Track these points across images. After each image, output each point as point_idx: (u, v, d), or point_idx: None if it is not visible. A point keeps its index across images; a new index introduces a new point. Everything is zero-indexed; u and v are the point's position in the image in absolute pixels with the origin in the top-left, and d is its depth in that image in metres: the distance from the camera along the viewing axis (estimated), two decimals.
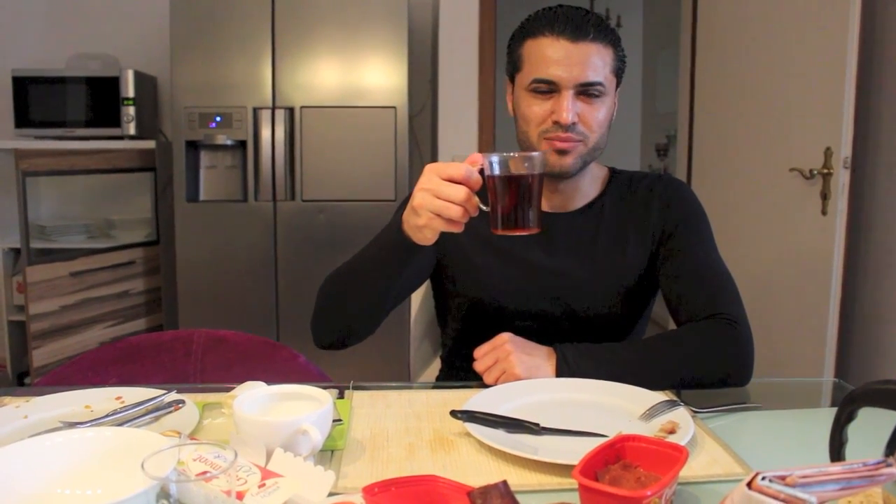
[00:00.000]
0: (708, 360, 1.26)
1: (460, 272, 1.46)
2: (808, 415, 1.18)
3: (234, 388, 1.19)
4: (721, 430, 1.08)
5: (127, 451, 0.86)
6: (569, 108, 1.30)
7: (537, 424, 1.06)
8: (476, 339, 1.30)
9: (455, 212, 1.08)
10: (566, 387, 1.21)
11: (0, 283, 3.41)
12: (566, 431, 1.05)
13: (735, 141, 3.16)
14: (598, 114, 1.33)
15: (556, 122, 1.32)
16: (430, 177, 1.09)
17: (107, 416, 1.10)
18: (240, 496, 0.81)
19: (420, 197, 1.10)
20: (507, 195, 1.08)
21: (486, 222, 1.32)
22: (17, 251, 3.29)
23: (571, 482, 0.80)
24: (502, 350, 1.23)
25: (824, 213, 2.60)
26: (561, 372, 1.23)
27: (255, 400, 1.03)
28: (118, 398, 1.19)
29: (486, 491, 0.78)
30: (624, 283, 1.42)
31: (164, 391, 1.19)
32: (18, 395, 1.25)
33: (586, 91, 1.31)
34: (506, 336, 1.25)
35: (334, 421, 1.03)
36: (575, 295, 1.41)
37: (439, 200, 1.08)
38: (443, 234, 1.40)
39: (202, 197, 3.30)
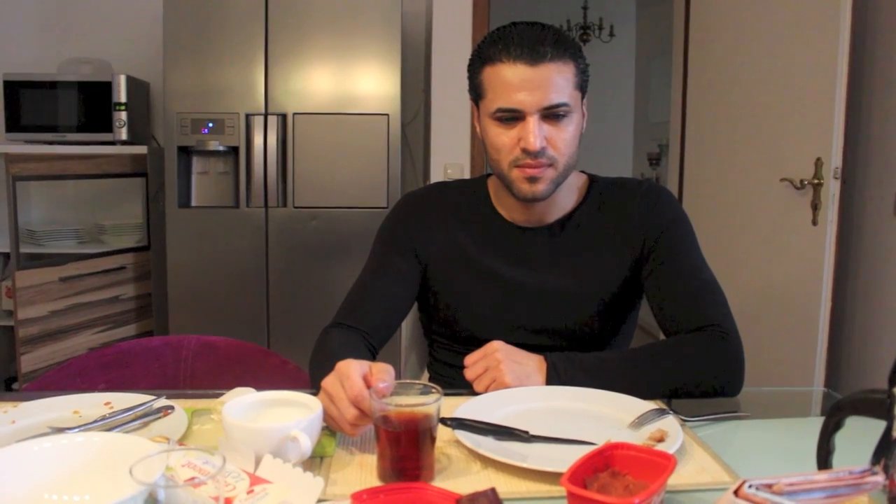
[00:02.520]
0: (698, 372, 1.26)
1: (443, 289, 1.46)
2: (797, 424, 1.18)
3: (223, 393, 1.19)
4: (710, 438, 1.08)
5: (115, 457, 0.86)
6: (536, 133, 1.28)
7: (527, 432, 1.06)
8: (461, 353, 1.30)
9: (343, 428, 1.04)
10: (556, 395, 1.21)
11: None
12: (556, 439, 1.05)
13: (726, 150, 3.17)
14: (566, 135, 1.32)
15: (524, 150, 1.30)
16: (334, 380, 1.04)
17: (95, 421, 1.10)
18: (228, 502, 0.81)
19: (322, 392, 1.06)
20: (390, 447, 0.96)
21: (470, 241, 1.32)
22: (6, 256, 3.27)
23: (560, 490, 0.80)
24: (492, 359, 1.23)
25: (815, 223, 2.61)
26: (551, 381, 1.23)
27: (244, 406, 1.03)
28: (107, 403, 1.19)
29: (474, 498, 0.78)
30: (605, 295, 1.41)
31: (153, 397, 1.19)
32: (6, 399, 1.24)
33: (552, 113, 1.29)
34: (496, 344, 1.25)
35: (324, 428, 1.03)
36: (555, 309, 1.41)
37: (333, 408, 1.03)
38: (428, 254, 1.42)
39: (194, 203, 3.29)
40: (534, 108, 1.28)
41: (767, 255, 2.89)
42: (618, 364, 1.28)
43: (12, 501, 0.82)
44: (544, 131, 1.30)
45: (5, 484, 0.83)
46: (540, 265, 1.42)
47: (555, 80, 1.28)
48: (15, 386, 3.16)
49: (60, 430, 1.05)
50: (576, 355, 1.27)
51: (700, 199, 3.37)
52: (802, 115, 2.67)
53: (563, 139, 1.31)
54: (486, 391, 1.22)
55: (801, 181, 2.63)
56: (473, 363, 1.25)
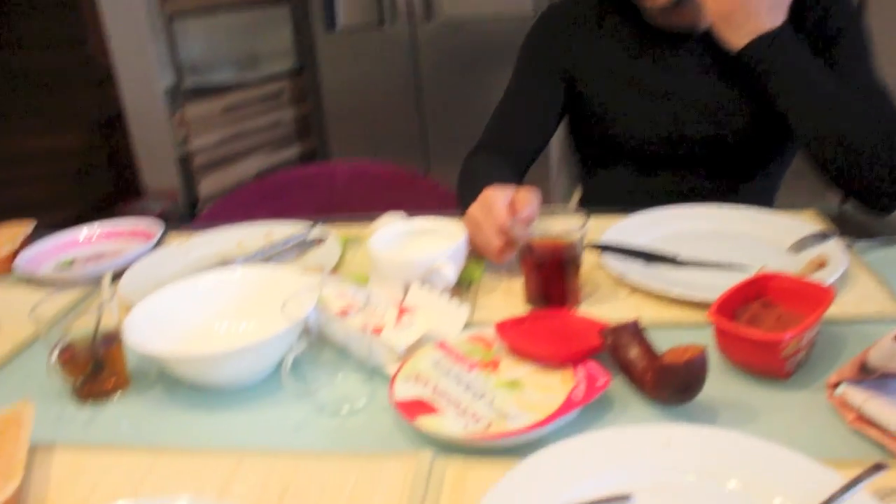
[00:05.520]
0: (864, 124, 1.12)
1: (591, 102, 1.38)
2: None
3: (375, 218, 1.22)
4: (878, 263, 1.00)
5: (273, 289, 0.92)
6: None
7: (676, 256, 1.03)
8: (611, 168, 1.24)
9: (488, 256, 1.03)
10: (714, 214, 1.15)
11: (166, 121, 3.62)
12: (706, 264, 1.01)
13: None
14: None
15: None
16: (479, 208, 1.03)
17: (256, 252, 1.17)
18: (377, 331, 0.85)
19: (467, 220, 1.05)
20: (534, 274, 0.98)
21: (617, 49, 1.21)
22: (172, 91, 3.45)
23: (708, 320, 0.78)
24: None
25: None
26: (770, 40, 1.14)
27: (391, 236, 1.06)
28: (267, 234, 1.26)
29: (617, 331, 0.77)
30: (761, 104, 1.28)
31: (308, 227, 1.24)
32: (180, 232, 1.34)
33: None
34: None
35: (470, 254, 1.04)
36: (708, 118, 1.30)
37: (479, 236, 1.03)
38: (573, 67, 1.33)
39: (340, 22, 3.26)
40: None
41: None
42: (813, 67, 1.16)
43: (187, 329, 0.91)
44: None
45: (180, 314, 0.91)
46: (691, 72, 1.31)
47: None
48: (197, 209, 3.43)
49: (226, 262, 1.12)
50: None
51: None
52: None
53: None
54: None
55: None
56: None
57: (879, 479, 0.58)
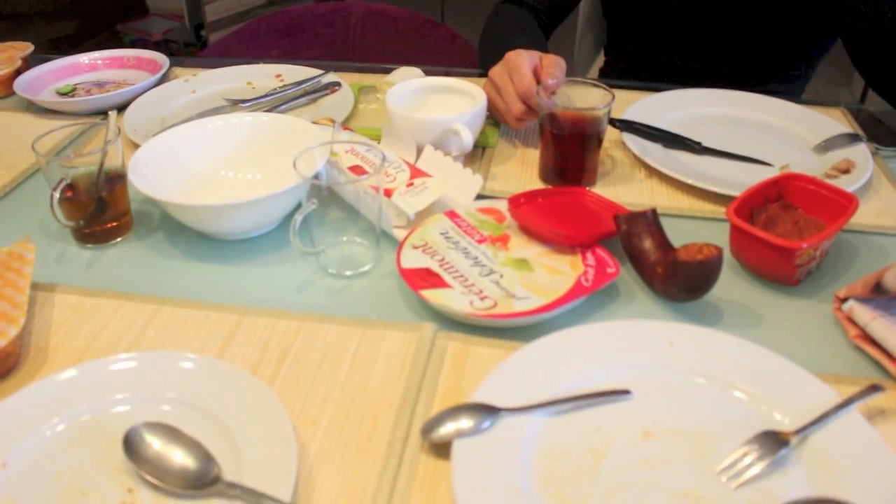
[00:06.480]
0: None
1: None
2: None
3: (390, 69, 1.18)
4: None
5: (283, 137, 0.89)
6: None
7: (699, 143, 0.99)
8: (640, 37, 1.16)
9: (507, 121, 1.00)
10: (740, 101, 1.11)
11: None
12: (729, 154, 0.98)
13: None
14: None
15: None
16: (503, 71, 0.99)
17: (267, 95, 1.13)
18: (388, 193, 0.83)
19: (489, 82, 1.02)
20: (553, 147, 0.93)
21: None
22: None
23: (725, 213, 0.76)
24: None
25: None
26: None
27: (408, 92, 1.01)
28: (278, 76, 1.21)
29: (632, 217, 0.76)
30: None
31: (321, 71, 1.20)
32: (187, 66, 1.29)
33: None
34: None
35: (488, 118, 1.01)
36: None
37: (500, 100, 0.99)
38: None
39: None
40: None
41: None
42: None
43: (197, 174, 0.89)
44: None
45: (187, 157, 0.88)
46: None
47: None
48: (203, 33, 3.31)
49: (235, 103, 1.09)
50: None
51: None
52: None
53: None
54: None
55: None
56: None
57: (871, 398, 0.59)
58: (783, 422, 0.57)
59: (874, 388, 0.59)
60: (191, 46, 3.55)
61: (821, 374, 0.61)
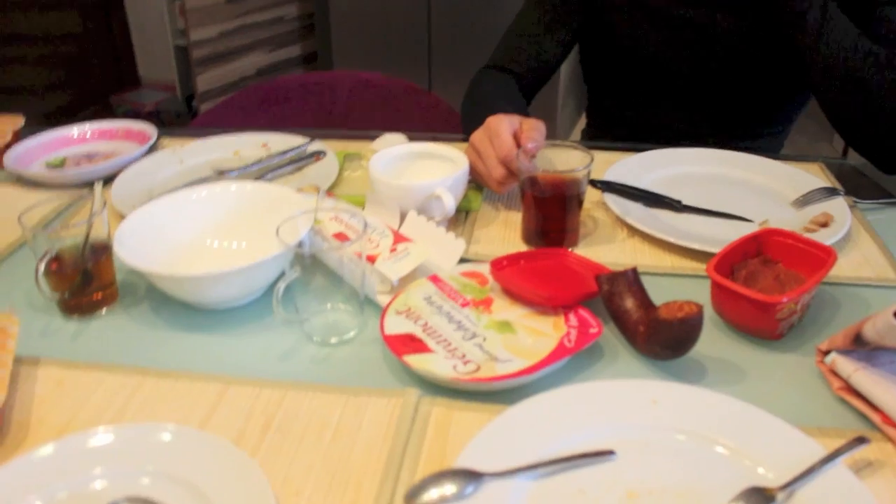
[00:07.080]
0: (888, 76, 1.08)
1: (606, 30, 1.33)
2: None
3: (375, 135, 1.19)
4: (882, 225, 0.98)
5: (267, 206, 0.90)
6: None
7: (679, 201, 1.01)
8: (621, 100, 1.19)
9: (489, 185, 1.02)
10: (719, 159, 1.13)
11: (164, 10, 3.51)
12: (709, 212, 1.00)
13: None
14: None
15: None
16: (483, 136, 1.01)
17: (253, 164, 1.14)
18: (371, 259, 0.83)
19: (470, 146, 1.03)
20: (535, 209, 0.95)
21: None
22: None
23: (705, 270, 0.77)
24: None
25: None
26: None
27: (390, 158, 1.03)
28: (264, 145, 1.23)
29: (614, 277, 0.76)
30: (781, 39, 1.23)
31: (306, 140, 1.21)
32: (176, 136, 1.31)
33: None
34: None
35: (470, 182, 1.02)
36: (727, 50, 1.25)
37: (481, 165, 1.01)
38: None
39: None
40: None
41: None
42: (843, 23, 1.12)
43: (182, 245, 0.89)
44: None
45: (170, 229, 0.89)
46: (711, 1, 1.25)
47: None
48: (193, 104, 3.36)
49: (222, 173, 1.10)
50: None
51: None
52: None
53: None
54: None
55: None
56: None
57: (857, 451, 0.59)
58: (768, 476, 0.57)
59: (860, 441, 0.59)
60: (182, 116, 3.61)
61: (806, 427, 0.61)
